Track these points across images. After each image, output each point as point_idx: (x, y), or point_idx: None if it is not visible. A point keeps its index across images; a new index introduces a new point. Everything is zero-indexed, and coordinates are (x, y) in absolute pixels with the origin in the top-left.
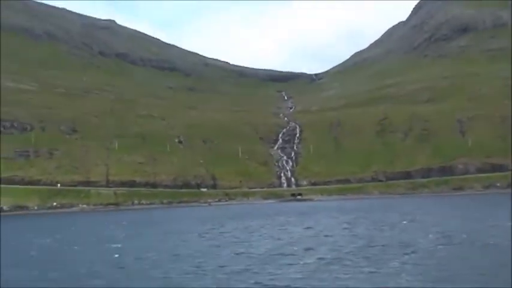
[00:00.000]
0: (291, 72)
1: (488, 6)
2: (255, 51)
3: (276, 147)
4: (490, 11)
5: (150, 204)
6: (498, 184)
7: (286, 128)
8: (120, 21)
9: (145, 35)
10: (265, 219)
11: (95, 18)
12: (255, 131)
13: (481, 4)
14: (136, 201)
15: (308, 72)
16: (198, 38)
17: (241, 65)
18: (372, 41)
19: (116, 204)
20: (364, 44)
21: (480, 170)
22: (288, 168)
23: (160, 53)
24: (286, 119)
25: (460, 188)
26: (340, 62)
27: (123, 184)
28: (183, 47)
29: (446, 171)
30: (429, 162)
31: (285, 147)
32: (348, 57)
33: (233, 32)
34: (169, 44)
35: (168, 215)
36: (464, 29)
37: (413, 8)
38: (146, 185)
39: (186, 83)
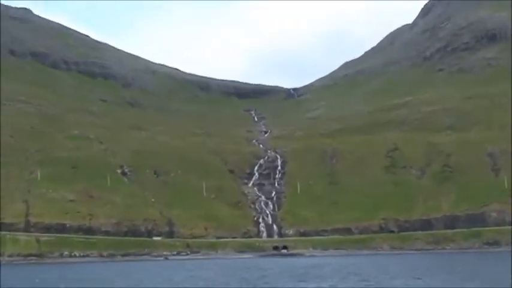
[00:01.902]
0: (262, 86)
1: None
2: (214, 58)
3: (251, 184)
4: None
5: (85, 256)
6: None
7: (263, 158)
8: (38, 10)
9: (71, 30)
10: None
11: (4, 5)
12: (223, 161)
13: None
14: (66, 252)
15: (284, 87)
16: (141, 39)
17: (197, 74)
18: (367, 48)
19: (39, 255)
20: (355, 52)
21: None
22: (268, 212)
23: (90, 55)
24: (262, 146)
25: (495, 243)
26: (325, 74)
27: (48, 229)
28: (121, 48)
29: (476, 220)
30: (454, 208)
31: (263, 184)
32: (335, 67)
33: (186, 35)
34: (102, 43)
35: (108, 273)
36: (491, 37)
37: (422, 9)
38: (79, 230)
39: (125, 95)
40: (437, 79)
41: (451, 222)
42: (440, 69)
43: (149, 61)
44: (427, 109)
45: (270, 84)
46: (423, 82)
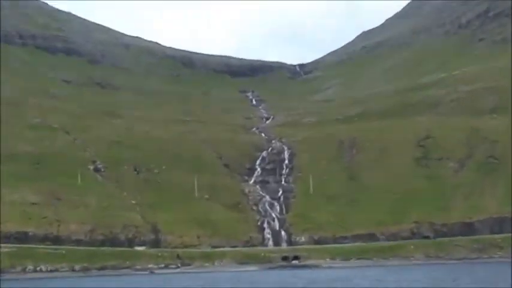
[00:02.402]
0: (261, 62)
1: None
2: (200, 29)
3: (252, 181)
4: None
5: (54, 271)
6: None
7: (266, 150)
8: None
9: None
10: None
11: None
12: (217, 154)
13: None
14: (30, 267)
15: (288, 63)
16: (111, 8)
17: (180, 48)
18: (389, 15)
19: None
20: (375, 20)
21: None
22: (274, 215)
23: (50, 26)
24: (264, 135)
25: None
26: (338, 47)
27: (7, 238)
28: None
29: None
30: (501, 207)
31: (267, 182)
32: (350, 39)
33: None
34: (64, 12)
35: None
36: None
37: None
38: (45, 239)
39: (93, 74)
40: (477, 51)
41: (499, 225)
42: (480, 39)
43: (121, 33)
44: (466, 88)
45: (271, 60)
46: (459, 55)
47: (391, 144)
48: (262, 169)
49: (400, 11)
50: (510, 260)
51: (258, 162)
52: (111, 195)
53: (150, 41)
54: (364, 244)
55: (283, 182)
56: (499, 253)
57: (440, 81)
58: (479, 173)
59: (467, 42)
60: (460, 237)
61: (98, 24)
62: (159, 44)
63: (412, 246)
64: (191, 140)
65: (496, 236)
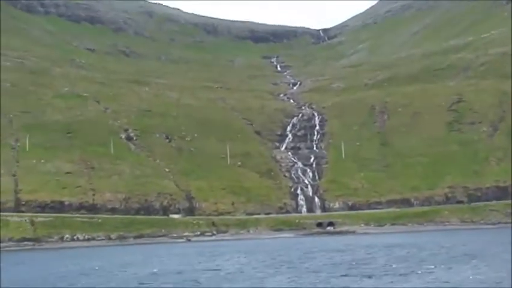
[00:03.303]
0: (284, 27)
1: None
2: None
3: (283, 148)
4: None
5: (90, 239)
6: None
7: (296, 116)
8: None
9: None
10: None
11: None
12: (248, 121)
13: None
14: (67, 236)
15: (311, 27)
16: None
17: (202, 14)
18: None
19: (35, 240)
20: None
21: None
22: (307, 181)
23: None
24: (292, 101)
25: None
26: (362, 10)
27: (43, 208)
28: None
29: None
30: None
31: (299, 148)
32: (374, 2)
33: None
34: None
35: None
36: None
37: None
38: (81, 208)
39: (117, 42)
40: (506, 13)
41: None
42: (509, 0)
43: (143, 0)
44: (498, 50)
45: (293, 26)
46: (487, 17)
47: (423, 109)
48: (294, 135)
49: None
50: None
51: (288, 128)
52: (144, 164)
53: (173, 8)
54: (398, 210)
55: (314, 148)
56: None
57: (469, 45)
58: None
59: (495, 3)
60: (494, 202)
61: None
62: (181, 11)
63: (446, 212)
64: (220, 107)
65: None
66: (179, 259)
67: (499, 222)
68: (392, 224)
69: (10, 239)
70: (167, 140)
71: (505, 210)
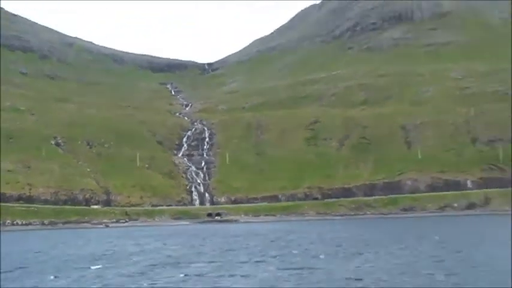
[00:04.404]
0: (177, 60)
1: None
2: (125, 32)
3: (180, 154)
4: None
5: (27, 224)
6: (455, 205)
7: (190, 130)
8: None
9: None
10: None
11: None
12: (152, 133)
13: None
14: (8, 221)
15: (197, 61)
16: (52, 13)
17: (110, 47)
18: (276, 26)
19: None
20: (264, 29)
21: (432, 188)
22: (199, 181)
23: (7, 27)
24: (186, 118)
25: (411, 209)
26: (236, 50)
27: None
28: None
29: (392, 188)
30: (372, 177)
31: (193, 155)
32: (246, 44)
33: (95, 7)
34: (16, 16)
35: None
36: (397, 18)
37: None
38: (19, 199)
39: (44, 67)
40: (348, 57)
41: (370, 190)
42: (350, 48)
43: (64, 34)
44: (343, 85)
45: (184, 60)
46: (334, 59)
47: (288, 127)
48: (188, 145)
49: (287, 23)
50: (379, 216)
51: (184, 139)
52: (70, 165)
53: (88, 41)
54: (269, 204)
55: (205, 156)
56: (371, 211)
57: (322, 79)
58: (354, 150)
59: (339, 49)
60: (341, 199)
61: (44, 26)
62: (93, 43)
63: (306, 206)
64: (130, 121)
65: (368, 198)
66: (109, 241)
67: (345, 214)
68: (266, 215)
69: None
70: (88, 147)
71: (349, 205)
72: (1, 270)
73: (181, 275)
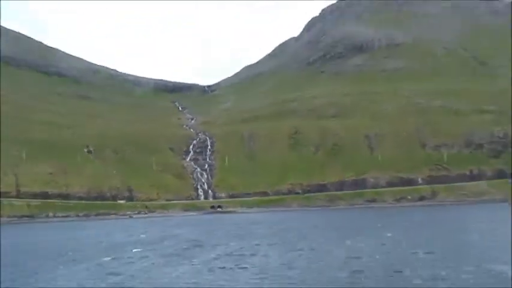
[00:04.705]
0: (183, 83)
1: (381, 27)
2: (137, 59)
3: (188, 159)
4: (384, 32)
5: (66, 216)
6: (409, 197)
7: (196, 139)
8: None
9: (26, 36)
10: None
11: None
12: (166, 142)
13: (375, 24)
14: (51, 214)
15: (199, 84)
16: (76, 41)
17: (132, 73)
18: (261, 56)
19: (31, 216)
20: (251, 58)
21: (390, 184)
22: (203, 180)
23: (45, 57)
24: (192, 130)
25: (374, 201)
26: (229, 75)
27: (34, 196)
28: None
29: (358, 184)
30: (342, 175)
31: (198, 159)
32: (236, 70)
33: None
34: (52, 48)
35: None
36: (359, 48)
37: (306, 25)
38: (59, 196)
39: (76, 90)
40: (320, 80)
41: (341, 186)
42: (322, 72)
43: (90, 62)
44: (316, 102)
45: (189, 82)
46: (309, 82)
47: (275, 137)
48: (194, 152)
49: (271, 52)
50: (349, 207)
51: (191, 147)
52: (99, 168)
53: (111, 69)
54: (261, 198)
55: (208, 160)
56: (342, 203)
57: (300, 98)
58: (327, 154)
59: (313, 74)
60: (318, 193)
61: (75, 56)
62: (117, 71)
63: (289, 199)
64: (148, 133)
65: (339, 192)
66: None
67: (322, 206)
68: (258, 207)
69: (15, 216)
70: (114, 154)
71: (325, 198)
72: (60, 254)
73: (213, 255)
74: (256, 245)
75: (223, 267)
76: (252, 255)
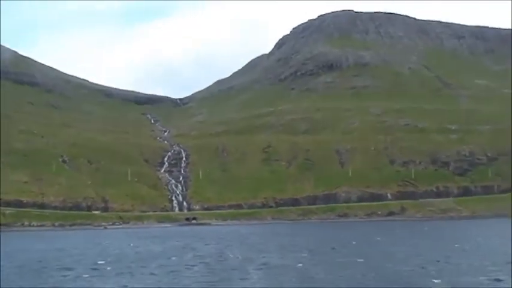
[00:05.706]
0: (155, 95)
1: (350, 46)
2: (108, 70)
3: (162, 170)
4: (352, 51)
5: (41, 226)
6: (379, 212)
7: (170, 151)
8: None
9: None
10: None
11: None
12: (140, 153)
13: (343, 44)
14: (26, 223)
15: (171, 96)
16: (51, 52)
17: (102, 84)
18: (234, 70)
19: (6, 225)
20: (222, 73)
21: (361, 199)
22: (178, 192)
23: (17, 65)
24: (166, 142)
25: (345, 215)
26: (202, 87)
27: (9, 204)
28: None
29: (330, 198)
30: (314, 190)
31: (172, 171)
32: (208, 84)
33: (83, 48)
34: (25, 57)
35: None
36: (329, 66)
37: (277, 43)
38: (34, 205)
39: (48, 99)
40: (291, 96)
41: (313, 200)
42: (293, 88)
43: (63, 72)
44: (288, 117)
45: (160, 95)
46: (280, 97)
47: (247, 150)
48: (169, 163)
49: (241, 69)
50: (321, 220)
51: (165, 158)
52: (74, 178)
53: (82, 79)
54: (234, 210)
55: (182, 172)
56: (314, 217)
57: (272, 113)
58: (299, 168)
59: (284, 90)
60: (291, 207)
61: (48, 65)
62: (88, 81)
63: (263, 213)
64: (122, 143)
65: (312, 206)
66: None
67: (295, 219)
68: (232, 220)
69: None
70: (89, 163)
71: (297, 212)
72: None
73: (225, 266)
74: (253, 255)
75: None
76: (256, 265)
